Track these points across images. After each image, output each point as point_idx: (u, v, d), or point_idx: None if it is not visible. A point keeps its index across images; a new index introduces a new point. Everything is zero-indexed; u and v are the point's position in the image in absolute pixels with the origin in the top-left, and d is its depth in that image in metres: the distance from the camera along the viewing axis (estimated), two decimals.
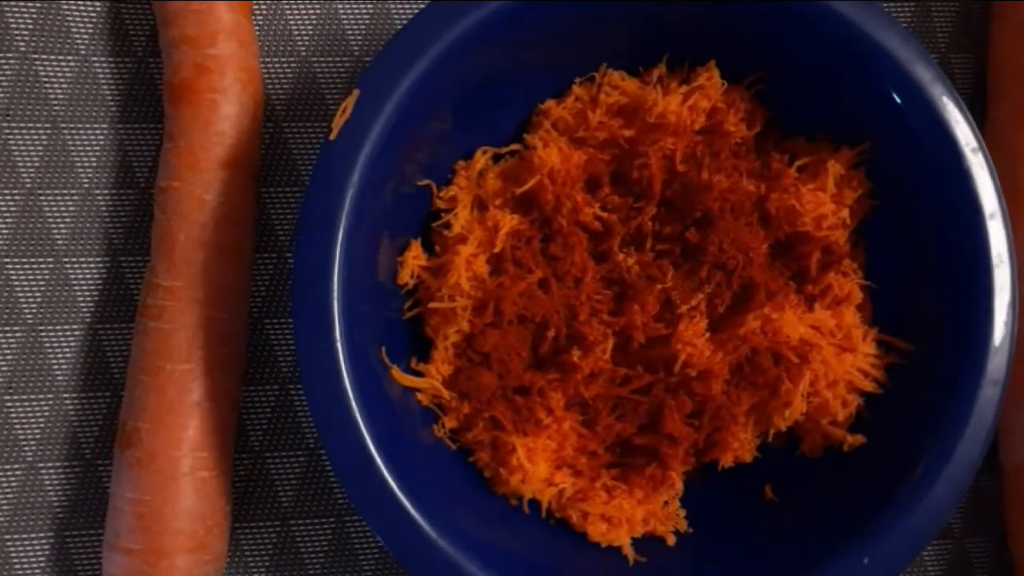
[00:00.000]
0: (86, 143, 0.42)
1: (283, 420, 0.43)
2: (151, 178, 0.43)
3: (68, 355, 0.42)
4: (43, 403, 0.42)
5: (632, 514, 0.40)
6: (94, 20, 0.42)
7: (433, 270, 0.40)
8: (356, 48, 0.44)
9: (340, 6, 0.44)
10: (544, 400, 0.40)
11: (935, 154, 0.38)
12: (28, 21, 0.42)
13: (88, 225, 0.42)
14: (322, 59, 0.44)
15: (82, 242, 0.42)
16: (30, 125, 0.42)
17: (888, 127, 0.39)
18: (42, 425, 0.42)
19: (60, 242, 0.42)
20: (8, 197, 0.42)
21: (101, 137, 0.42)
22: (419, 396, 0.40)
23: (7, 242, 0.42)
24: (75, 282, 0.42)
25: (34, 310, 0.42)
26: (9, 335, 0.42)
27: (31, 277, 0.42)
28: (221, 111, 0.39)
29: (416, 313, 0.41)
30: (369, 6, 0.44)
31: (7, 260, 0.42)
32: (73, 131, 0.42)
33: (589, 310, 0.40)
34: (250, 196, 0.41)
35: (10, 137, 0.42)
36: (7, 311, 0.42)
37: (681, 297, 0.40)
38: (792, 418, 0.40)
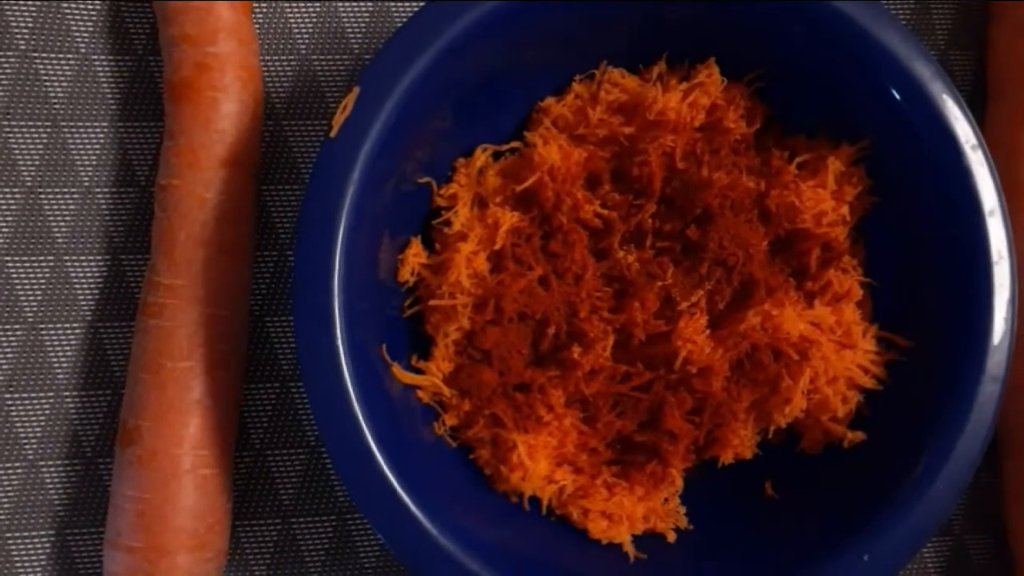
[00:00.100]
0: (86, 141, 0.42)
1: (284, 418, 0.43)
2: (151, 176, 0.43)
3: (69, 353, 0.42)
4: (44, 401, 0.42)
5: (632, 511, 0.40)
6: (94, 18, 0.43)
7: (433, 267, 0.40)
8: (356, 46, 0.44)
9: (340, 4, 0.44)
10: (544, 397, 0.40)
11: (935, 151, 0.38)
12: (28, 19, 0.42)
13: (88, 223, 0.42)
14: (322, 57, 0.44)
15: (83, 240, 0.42)
16: (30, 123, 0.42)
17: (888, 124, 0.39)
18: (43, 423, 0.42)
19: (60, 240, 0.42)
20: (8, 195, 0.42)
21: (101, 135, 0.42)
22: (420, 393, 0.40)
23: (8, 240, 0.42)
24: (76, 280, 0.42)
25: (35, 308, 0.42)
26: (10, 333, 0.42)
27: (32, 275, 0.42)
28: (221, 109, 0.39)
29: (417, 311, 0.41)
30: (369, 4, 0.44)
31: (8, 258, 0.42)
32: (73, 129, 0.42)
33: (589, 307, 0.40)
34: (250, 194, 0.41)
35: (10, 135, 0.42)
36: (8, 309, 0.42)
37: (681, 294, 0.40)
38: (792, 415, 0.40)
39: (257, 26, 0.43)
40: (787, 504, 0.41)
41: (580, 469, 0.41)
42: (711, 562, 0.40)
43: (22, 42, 0.42)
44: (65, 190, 0.42)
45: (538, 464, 0.39)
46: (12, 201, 0.42)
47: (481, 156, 0.41)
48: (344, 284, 0.35)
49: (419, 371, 0.40)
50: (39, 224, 0.42)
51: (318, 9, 0.44)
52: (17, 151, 0.42)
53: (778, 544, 0.39)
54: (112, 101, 0.43)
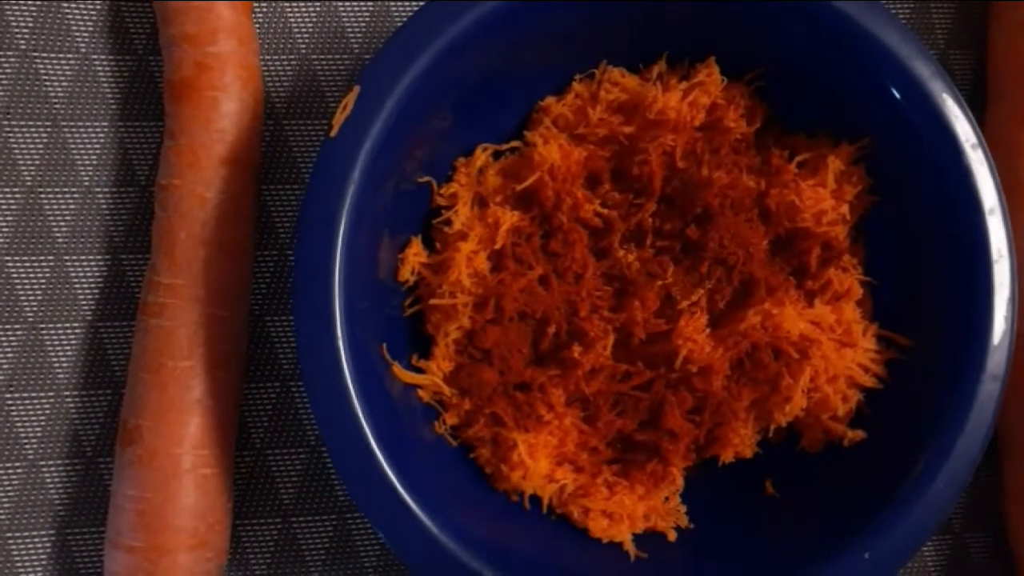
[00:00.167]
0: (87, 141, 0.42)
1: (284, 417, 0.43)
2: (152, 176, 0.43)
3: (69, 353, 0.42)
4: (44, 401, 0.42)
5: (633, 510, 0.40)
6: (94, 18, 0.43)
7: (434, 267, 0.40)
8: (356, 46, 0.44)
9: (340, 4, 0.44)
10: (545, 396, 0.40)
11: (935, 150, 0.38)
12: (28, 19, 0.42)
13: (89, 223, 0.42)
14: (322, 57, 0.44)
15: (83, 240, 0.42)
16: (31, 123, 0.42)
17: (888, 123, 0.39)
18: (43, 423, 0.42)
19: (61, 240, 0.42)
20: (9, 195, 0.42)
21: (102, 135, 0.42)
22: (420, 393, 0.40)
23: (8, 240, 0.42)
24: (76, 280, 0.42)
25: (35, 308, 0.42)
26: (10, 333, 0.42)
27: (32, 275, 0.42)
28: (222, 109, 0.40)
29: (417, 310, 0.41)
30: (369, 4, 0.44)
31: (8, 258, 0.42)
32: (74, 129, 0.42)
33: (590, 306, 0.40)
34: (251, 194, 0.41)
35: (11, 135, 0.42)
36: (8, 309, 0.42)
37: (681, 293, 0.40)
38: (792, 413, 0.40)
39: (257, 26, 0.43)
40: (787, 503, 0.41)
41: (580, 468, 0.41)
42: (711, 561, 0.40)
43: (22, 42, 0.42)
44: (65, 190, 0.42)
45: (538, 463, 0.39)
46: (12, 201, 0.42)
47: (481, 155, 0.41)
48: (344, 283, 0.35)
49: (419, 370, 0.40)
50: (39, 224, 0.42)
51: (318, 9, 0.44)
52: (17, 151, 0.42)
53: (778, 543, 0.39)
54: (112, 101, 0.43)
